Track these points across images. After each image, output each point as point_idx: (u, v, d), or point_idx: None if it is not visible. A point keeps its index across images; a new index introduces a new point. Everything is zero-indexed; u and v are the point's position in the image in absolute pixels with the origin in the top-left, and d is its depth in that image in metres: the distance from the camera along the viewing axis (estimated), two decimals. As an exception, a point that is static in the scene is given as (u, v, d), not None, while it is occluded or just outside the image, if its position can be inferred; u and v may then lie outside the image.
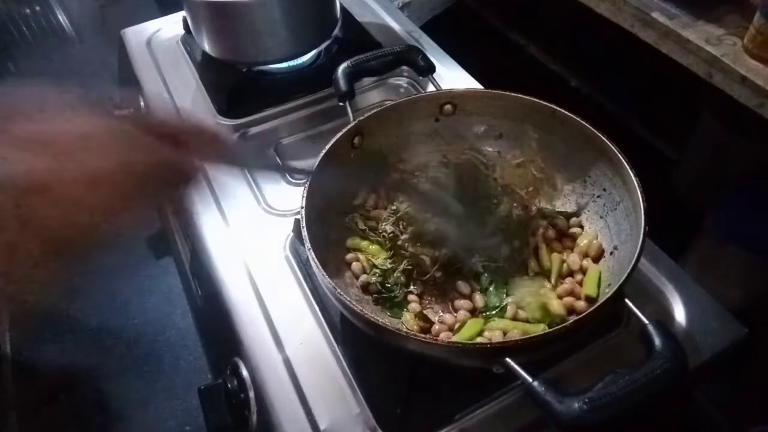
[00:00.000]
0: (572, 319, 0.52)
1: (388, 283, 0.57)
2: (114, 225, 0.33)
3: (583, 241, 0.60)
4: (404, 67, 0.74)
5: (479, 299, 0.56)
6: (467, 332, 0.53)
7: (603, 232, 0.59)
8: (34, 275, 0.31)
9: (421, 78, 0.78)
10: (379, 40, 0.94)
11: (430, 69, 0.71)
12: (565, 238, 0.61)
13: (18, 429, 1.25)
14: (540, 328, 0.52)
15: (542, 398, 0.40)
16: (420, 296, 0.58)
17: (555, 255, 0.59)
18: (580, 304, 0.54)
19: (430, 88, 0.71)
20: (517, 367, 0.43)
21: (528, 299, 0.55)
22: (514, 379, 0.43)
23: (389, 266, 0.58)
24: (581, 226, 0.61)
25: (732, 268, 0.74)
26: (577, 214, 0.62)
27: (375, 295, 0.58)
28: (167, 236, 1.03)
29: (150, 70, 0.94)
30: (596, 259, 0.58)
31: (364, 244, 0.60)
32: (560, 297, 0.55)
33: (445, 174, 0.63)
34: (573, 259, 0.58)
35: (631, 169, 0.54)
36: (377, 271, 0.58)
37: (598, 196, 0.60)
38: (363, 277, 0.58)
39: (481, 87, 0.81)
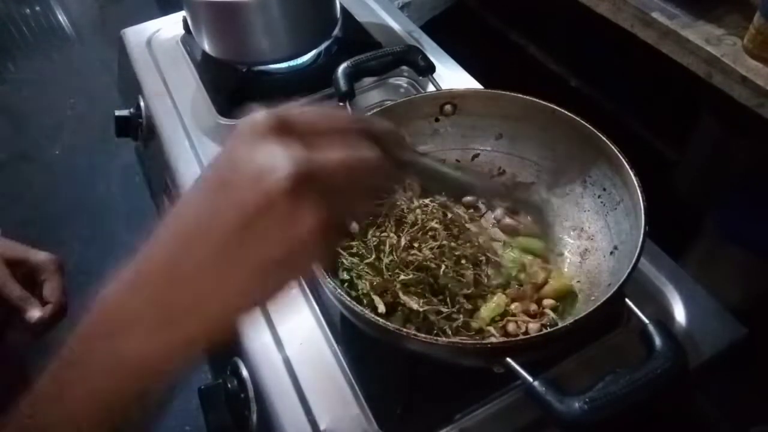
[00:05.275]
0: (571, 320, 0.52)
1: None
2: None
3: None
4: (404, 67, 0.74)
5: None
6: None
7: (603, 232, 0.59)
8: None
9: (421, 78, 0.78)
10: (379, 40, 0.94)
11: (430, 69, 0.71)
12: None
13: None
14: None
15: (543, 398, 0.40)
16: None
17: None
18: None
19: (430, 88, 0.71)
20: (517, 367, 0.43)
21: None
22: (514, 379, 0.43)
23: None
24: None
25: (732, 268, 0.74)
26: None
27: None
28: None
29: (150, 70, 0.94)
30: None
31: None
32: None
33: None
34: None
35: (631, 169, 0.54)
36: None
37: (598, 196, 0.60)
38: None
39: (481, 87, 0.81)
